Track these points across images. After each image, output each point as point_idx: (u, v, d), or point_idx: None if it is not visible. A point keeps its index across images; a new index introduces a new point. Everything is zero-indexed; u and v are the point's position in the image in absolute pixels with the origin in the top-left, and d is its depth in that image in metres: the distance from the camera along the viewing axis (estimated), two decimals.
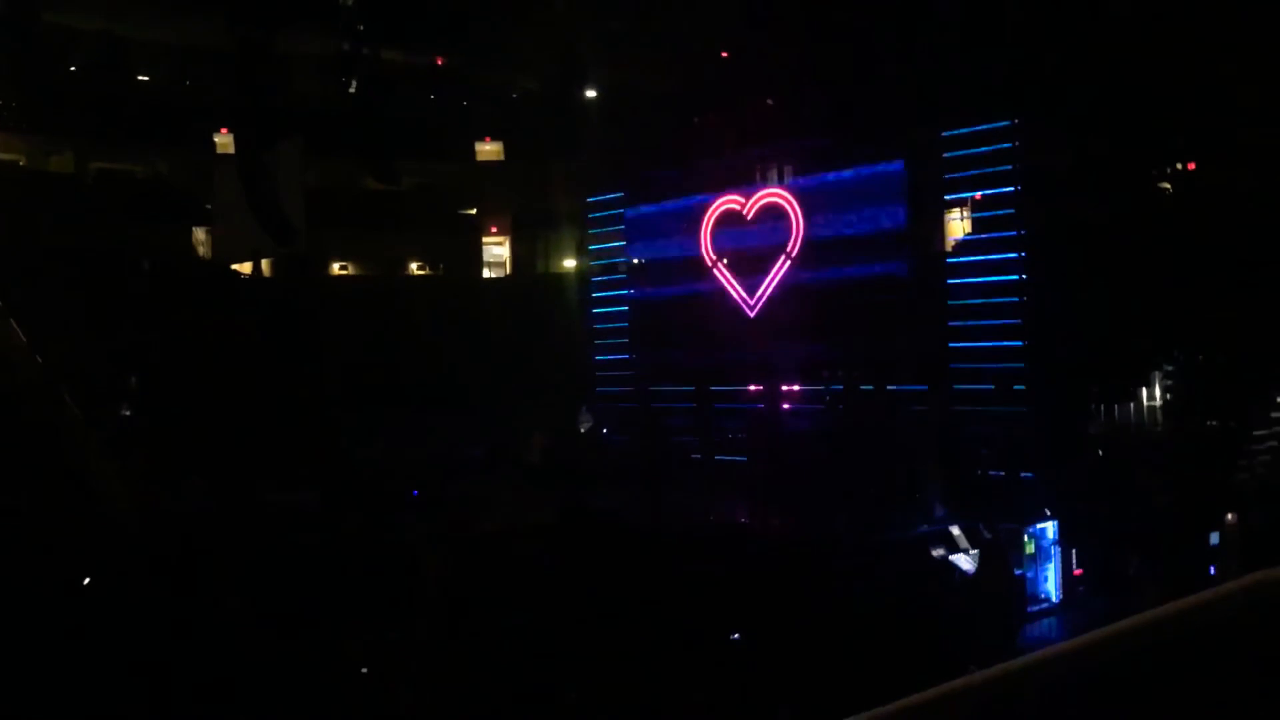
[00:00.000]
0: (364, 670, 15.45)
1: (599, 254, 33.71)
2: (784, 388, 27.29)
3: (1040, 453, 22.10)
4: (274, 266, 35.31)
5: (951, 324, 23.78)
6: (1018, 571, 19.95)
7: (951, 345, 23.76)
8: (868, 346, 25.12)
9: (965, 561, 19.51)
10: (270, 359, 28.17)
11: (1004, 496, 21.25)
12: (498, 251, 40.80)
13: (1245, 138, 22.79)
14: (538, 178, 38.81)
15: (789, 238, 27.35)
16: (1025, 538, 20.58)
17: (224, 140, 35.16)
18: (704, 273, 29.58)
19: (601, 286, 33.34)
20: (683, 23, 29.35)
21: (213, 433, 24.78)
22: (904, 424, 23.52)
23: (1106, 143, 22.79)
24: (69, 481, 19.16)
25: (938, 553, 19.50)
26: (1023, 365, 22.59)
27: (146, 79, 37.29)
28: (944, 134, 23.94)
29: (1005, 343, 22.85)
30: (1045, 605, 20.65)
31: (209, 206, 35.12)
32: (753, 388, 28.12)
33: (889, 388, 24.57)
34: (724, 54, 30.58)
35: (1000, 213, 23.19)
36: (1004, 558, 19.50)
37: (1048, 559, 20.86)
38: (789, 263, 27.39)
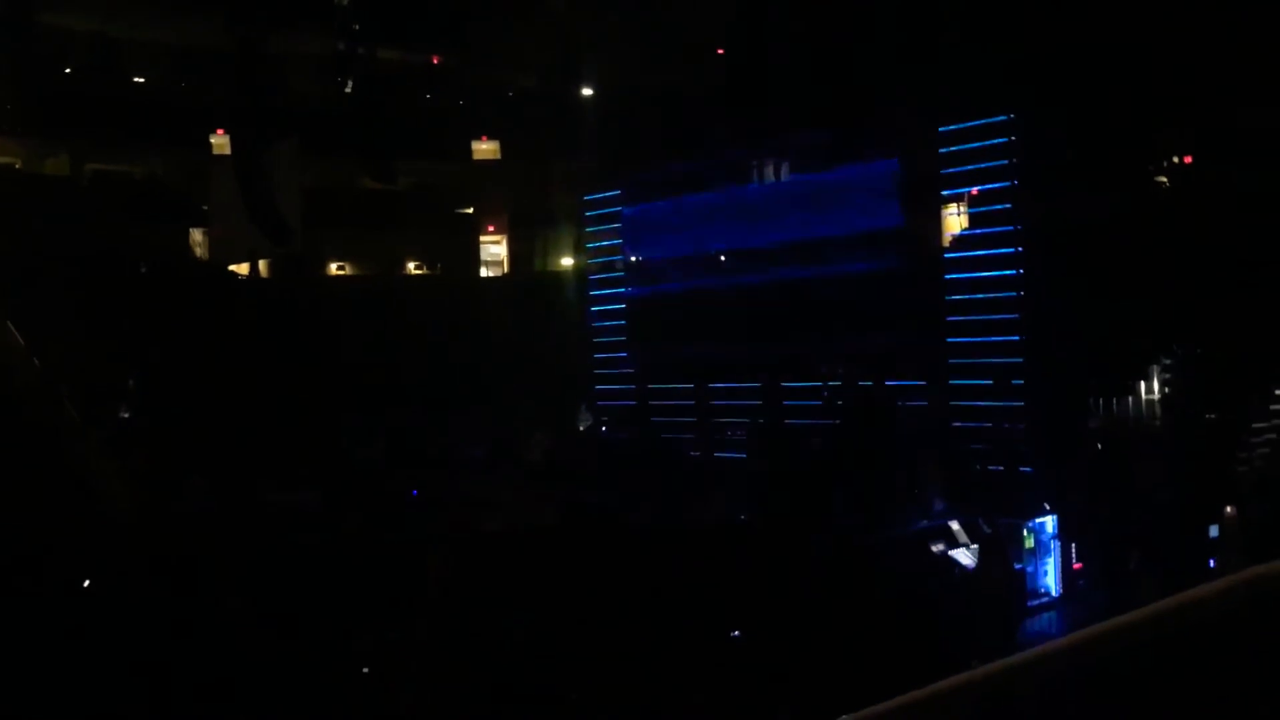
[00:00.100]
0: (365, 670, 15.45)
1: (597, 252, 33.69)
2: (782, 384, 27.30)
3: (1039, 447, 22.13)
4: (271, 267, 35.31)
5: (949, 319, 23.79)
6: (1017, 566, 19.97)
7: (949, 341, 23.77)
8: (866, 342, 25.13)
9: (965, 556, 19.52)
10: (268, 359, 28.18)
11: (1003, 491, 21.27)
12: (495, 251, 40.80)
13: (1244, 131, 22.79)
14: (535, 177, 38.83)
15: (786, 234, 27.35)
16: (1025, 532, 20.60)
17: (220, 141, 35.17)
18: (702, 270, 29.58)
19: (599, 285, 33.33)
20: (678, 20, 29.35)
21: (212, 433, 24.79)
22: (902, 420, 23.54)
23: (1104, 137, 22.79)
24: (69, 482, 19.16)
25: (937, 548, 19.51)
26: (1021, 360, 22.60)
27: (142, 80, 37.26)
28: (941, 129, 23.93)
29: (1003, 338, 22.86)
30: (1045, 600, 20.68)
31: (205, 208, 35.15)
32: (751, 384, 28.12)
33: (887, 383, 24.61)
34: (720, 51, 30.55)
35: (997, 207, 23.19)
36: (1004, 552, 19.52)
37: (1047, 553, 20.88)
38: (787, 259, 27.38)
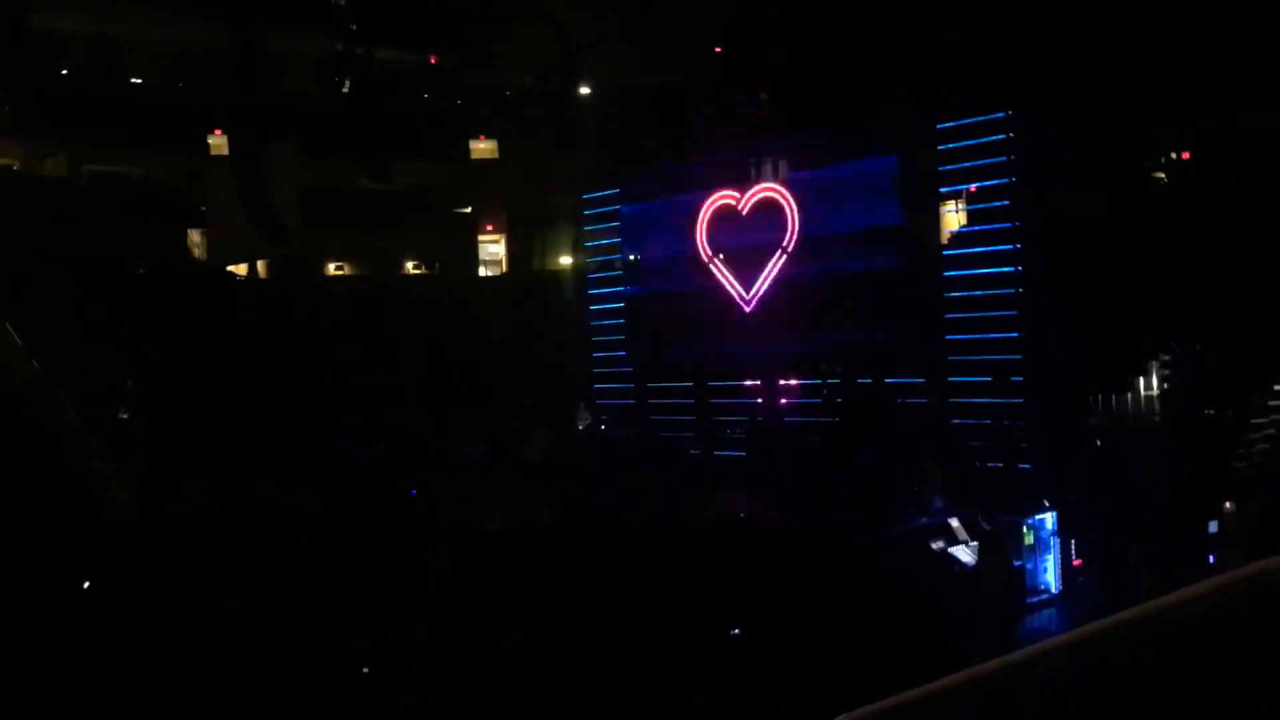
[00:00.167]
0: (364, 670, 15.45)
1: (595, 251, 33.68)
2: (781, 382, 27.31)
3: (1038, 444, 22.14)
4: (269, 267, 35.30)
5: (948, 317, 23.80)
6: (1017, 563, 19.97)
7: (948, 338, 23.78)
8: (864, 340, 25.13)
9: (965, 554, 19.53)
10: (267, 360, 28.17)
11: (1003, 488, 21.28)
12: (494, 250, 40.78)
13: (1243, 128, 22.80)
14: (533, 176, 38.81)
15: (785, 233, 27.34)
16: (1024, 529, 20.60)
17: (218, 142, 35.20)
18: (700, 269, 29.57)
19: (598, 284, 33.32)
20: (676, 18, 29.35)
21: (212, 433, 24.79)
22: (902, 417, 23.55)
23: (1103, 134, 22.79)
24: (68, 483, 19.17)
25: (937, 545, 19.52)
26: (1020, 357, 22.61)
27: (140, 81, 37.23)
28: (939, 126, 23.94)
29: (1002, 334, 22.87)
30: (1045, 596, 20.68)
31: (204, 208, 35.16)
32: (750, 383, 28.13)
33: (886, 381, 24.61)
34: (718, 49, 30.56)
35: (996, 204, 23.20)
36: (1003, 550, 19.53)
37: (1047, 550, 20.88)
38: (785, 258, 27.38)
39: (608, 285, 32.82)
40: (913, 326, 24.17)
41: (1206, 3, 22.22)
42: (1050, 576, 20.86)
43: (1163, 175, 24.70)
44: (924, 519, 20.47)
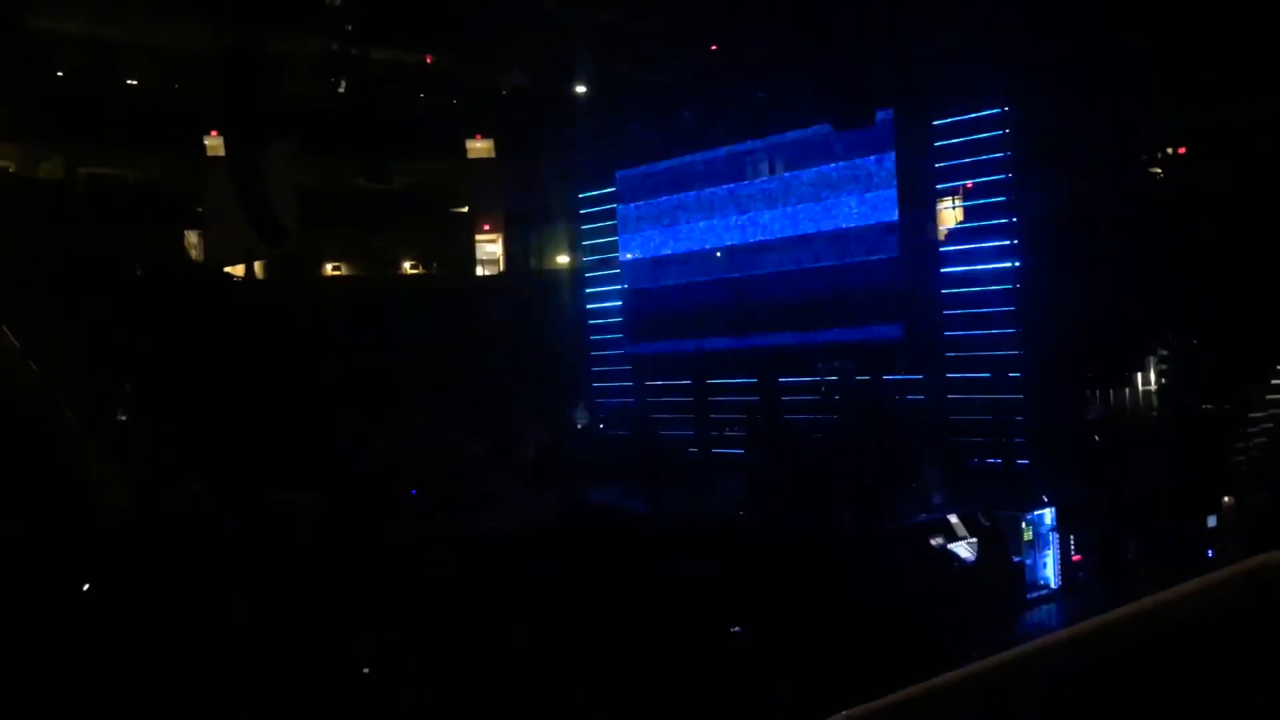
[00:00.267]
0: (365, 670, 15.45)
1: (593, 249, 33.70)
2: (779, 380, 27.32)
3: (1037, 440, 22.16)
4: (267, 268, 35.27)
5: (946, 313, 23.82)
6: (1016, 559, 19.99)
7: (946, 334, 23.80)
8: (862, 337, 25.16)
9: (964, 550, 19.54)
10: (266, 360, 28.17)
11: (1001, 484, 21.29)
12: (491, 249, 40.73)
13: (1239, 121, 22.81)
14: (530, 174, 38.75)
15: (782, 230, 27.36)
16: (1023, 525, 20.61)
17: (214, 143, 35.12)
18: (698, 266, 29.59)
19: (596, 282, 33.33)
20: (672, 15, 29.31)
21: (211, 434, 24.79)
22: (900, 414, 23.56)
23: (1099, 128, 22.81)
24: (67, 485, 19.16)
25: (936, 541, 19.54)
26: (1018, 353, 22.63)
27: (135, 83, 37.16)
28: (935, 122, 23.95)
29: (1000, 330, 22.89)
30: (1044, 592, 20.69)
31: (200, 210, 35.12)
32: (748, 380, 28.13)
33: (884, 377, 24.63)
34: (713, 46, 30.53)
35: (992, 200, 23.21)
36: (1003, 545, 19.54)
37: (1046, 545, 20.89)
38: (783, 255, 27.39)
39: (605, 283, 32.83)
40: (910, 322, 24.20)
41: None
42: (1050, 572, 20.87)
43: (1159, 170, 24.72)
44: (923, 515, 20.49)
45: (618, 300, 32.32)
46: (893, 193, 24.95)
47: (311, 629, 15.77)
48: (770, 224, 27.64)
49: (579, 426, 31.79)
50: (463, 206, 40.56)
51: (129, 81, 37.08)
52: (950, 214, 24.22)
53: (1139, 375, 23.73)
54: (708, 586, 16.72)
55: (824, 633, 14.97)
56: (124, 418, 26.26)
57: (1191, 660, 2.20)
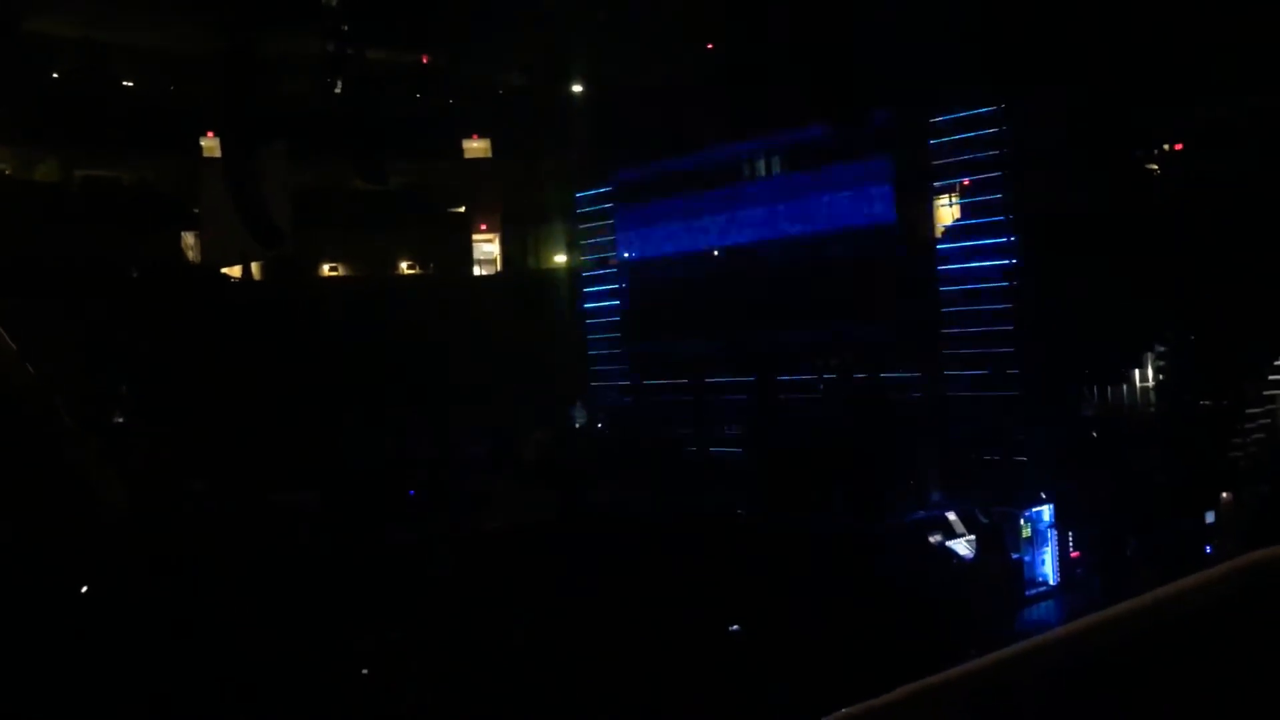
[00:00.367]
0: (365, 670, 15.46)
1: (590, 249, 33.70)
2: (778, 378, 27.32)
3: (1034, 436, 22.16)
4: (264, 269, 35.25)
5: (943, 310, 23.82)
6: (1015, 556, 20.01)
7: (944, 331, 23.80)
8: (860, 334, 25.17)
9: (962, 547, 19.56)
10: (264, 361, 28.14)
11: (1000, 481, 21.30)
12: (488, 249, 40.73)
13: (1235, 117, 22.82)
14: (527, 174, 38.75)
15: (780, 228, 27.36)
16: (1022, 522, 20.64)
17: (210, 144, 35.08)
18: (695, 265, 29.59)
19: (593, 281, 33.32)
20: (670, 15, 29.31)
21: (210, 435, 24.77)
22: (898, 411, 23.56)
23: (1095, 125, 22.80)
24: (67, 486, 19.12)
25: (935, 539, 19.55)
26: (1015, 349, 22.63)
27: (130, 85, 37.13)
28: (931, 120, 23.95)
29: (997, 327, 22.90)
30: (1043, 588, 20.72)
31: (196, 211, 35.09)
32: (746, 379, 28.14)
33: (882, 375, 24.63)
34: (710, 46, 30.54)
35: (989, 197, 23.22)
36: (1001, 542, 19.56)
37: (1044, 542, 20.92)
38: (781, 253, 27.40)
39: (603, 282, 32.82)
40: (908, 320, 24.20)
41: None
42: (1048, 568, 20.90)
43: (1155, 166, 24.72)
44: (921, 512, 20.50)
45: (615, 300, 32.31)
46: (889, 191, 24.95)
47: (312, 629, 15.76)
48: (767, 223, 27.65)
49: (578, 426, 31.81)
50: (460, 206, 40.56)
51: (124, 84, 37.06)
52: (947, 211, 24.22)
53: (1136, 371, 23.73)
54: (706, 585, 16.71)
55: (822, 630, 14.98)
56: (121, 419, 26.26)
57: (1191, 656, 2.20)
